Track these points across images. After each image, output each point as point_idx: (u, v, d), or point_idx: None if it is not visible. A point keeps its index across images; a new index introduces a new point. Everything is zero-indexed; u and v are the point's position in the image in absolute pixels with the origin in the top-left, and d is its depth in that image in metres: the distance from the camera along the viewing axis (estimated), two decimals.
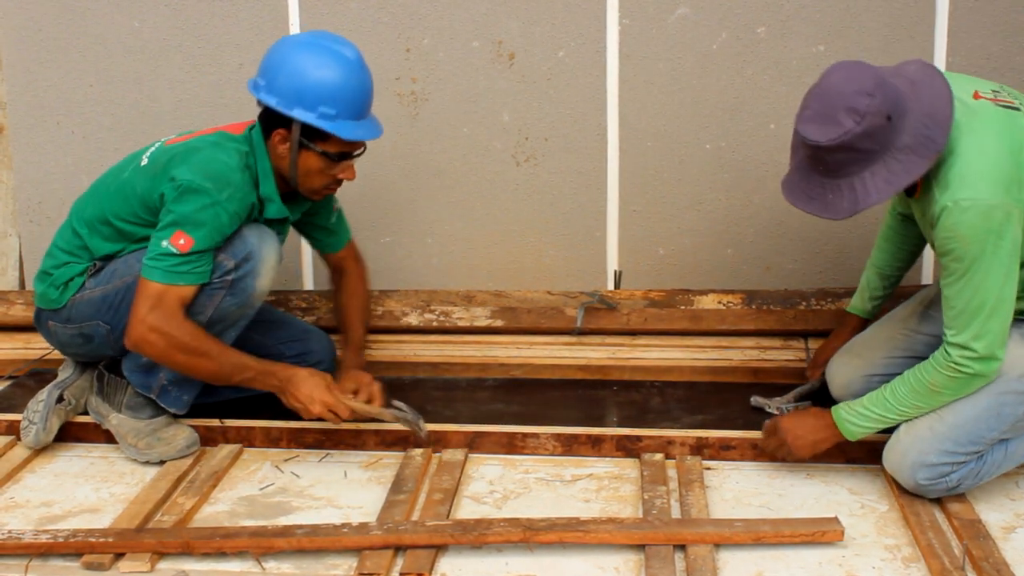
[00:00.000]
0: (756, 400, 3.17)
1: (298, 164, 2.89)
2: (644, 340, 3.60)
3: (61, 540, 2.51)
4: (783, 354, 3.48)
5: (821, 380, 3.19)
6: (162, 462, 2.97)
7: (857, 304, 3.19)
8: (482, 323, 3.65)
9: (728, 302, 3.63)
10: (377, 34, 3.65)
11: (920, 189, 2.59)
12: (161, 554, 2.50)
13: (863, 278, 3.16)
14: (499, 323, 3.64)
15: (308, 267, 3.87)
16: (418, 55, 3.67)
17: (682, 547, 2.48)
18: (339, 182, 2.97)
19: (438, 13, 3.64)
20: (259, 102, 2.89)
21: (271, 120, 2.87)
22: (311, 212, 3.17)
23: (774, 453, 2.85)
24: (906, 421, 2.67)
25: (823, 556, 2.47)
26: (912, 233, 3.02)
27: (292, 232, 3.43)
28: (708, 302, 3.63)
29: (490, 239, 3.80)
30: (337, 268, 3.37)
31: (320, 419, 2.88)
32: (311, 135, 2.84)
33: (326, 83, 2.80)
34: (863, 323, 3.17)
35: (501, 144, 3.72)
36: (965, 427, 2.62)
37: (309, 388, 2.85)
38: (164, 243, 2.76)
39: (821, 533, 2.50)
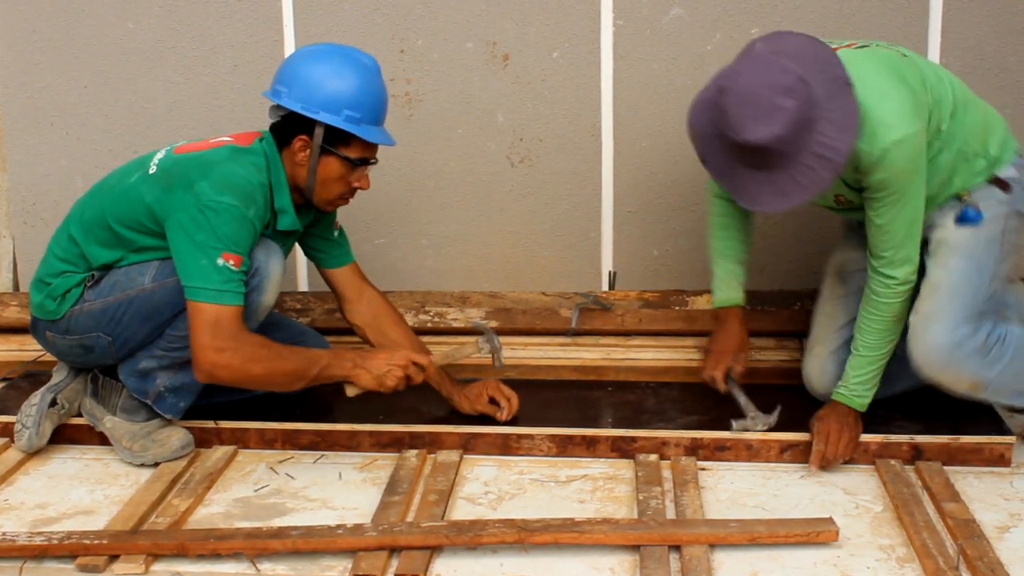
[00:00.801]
0: (739, 424, 3.02)
1: (317, 171, 2.88)
2: (639, 341, 3.60)
3: (55, 542, 2.50)
4: (777, 354, 3.49)
5: (731, 380, 3.14)
6: (156, 464, 2.97)
7: (733, 296, 3.17)
8: None
9: None
10: (371, 35, 3.65)
11: None
12: (156, 556, 2.50)
13: (721, 271, 3.16)
14: (494, 324, 3.64)
15: (302, 269, 3.87)
16: (412, 56, 3.67)
17: (677, 548, 2.48)
18: (353, 192, 2.96)
19: (432, 14, 3.64)
20: (277, 109, 2.88)
21: (291, 127, 2.86)
22: (311, 223, 3.14)
23: (836, 458, 2.89)
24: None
25: (818, 556, 2.47)
26: (745, 212, 3.12)
27: None
28: (702, 303, 3.63)
29: (485, 240, 3.80)
30: (347, 296, 3.25)
31: (395, 391, 2.91)
32: (333, 140, 2.84)
33: (351, 89, 2.82)
34: (743, 311, 3.20)
35: (496, 145, 3.72)
36: (962, 286, 2.82)
37: (386, 354, 2.88)
38: (219, 262, 2.71)
39: (816, 533, 2.50)
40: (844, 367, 3.01)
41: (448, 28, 3.65)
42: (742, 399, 3.07)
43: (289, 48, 3.69)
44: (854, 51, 2.76)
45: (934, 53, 3.47)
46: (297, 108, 2.81)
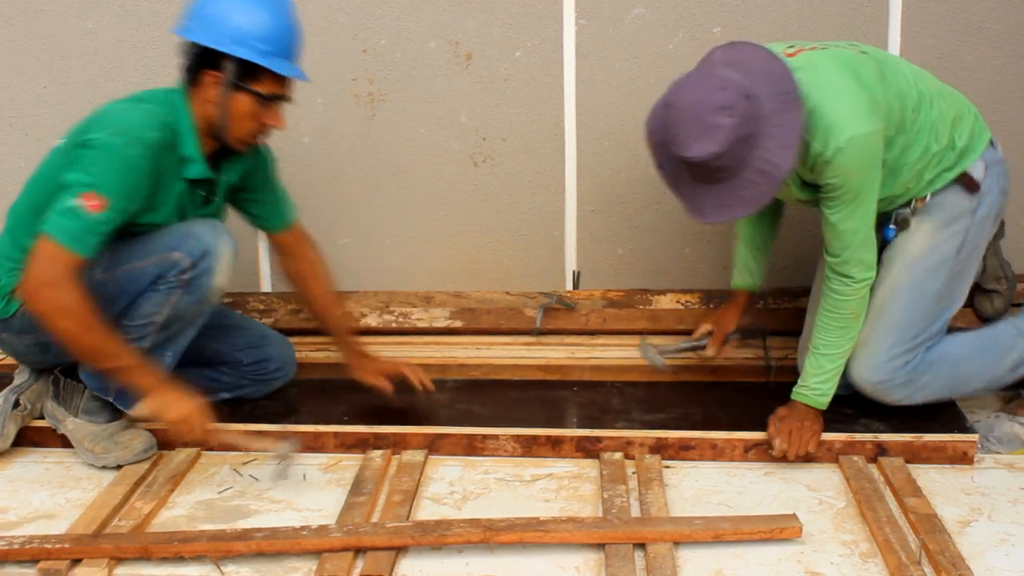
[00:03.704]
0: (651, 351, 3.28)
1: (229, 107, 2.83)
2: (603, 340, 3.61)
3: (16, 547, 2.48)
4: (741, 352, 3.50)
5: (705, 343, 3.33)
6: (119, 466, 2.95)
7: (745, 281, 3.30)
8: (441, 324, 3.65)
9: (686, 301, 3.64)
10: (333, 34, 3.64)
11: None
12: (119, 559, 2.48)
13: (739, 257, 3.29)
14: (458, 324, 3.64)
15: (265, 268, 3.85)
16: (375, 55, 3.66)
17: (642, 545, 2.49)
18: (267, 130, 2.92)
19: (395, 13, 3.63)
20: (188, 44, 2.82)
21: (200, 63, 2.81)
22: (243, 187, 3.10)
23: (797, 456, 2.91)
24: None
25: (782, 553, 2.49)
26: (772, 209, 3.15)
27: (252, 234, 3.42)
28: (666, 302, 3.64)
29: (449, 240, 3.80)
30: (286, 252, 3.25)
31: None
32: (243, 75, 2.80)
33: (261, 22, 2.78)
34: (752, 296, 3.32)
35: (459, 145, 3.72)
36: (902, 316, 2.92)
37: (189, 404, 2.77)
38: (73, 201, 2.63)
39: (779, 530, 2.52)
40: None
41: (411, 27, 3.64)
42: (684, 343, 3.30)
43: None
44: (811, 52, 2.77)
45: (894, 52, 3.50)
46: (206, 42, 2.77)
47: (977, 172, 2.91)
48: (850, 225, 2.75)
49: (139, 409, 2.77)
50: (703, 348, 3.32)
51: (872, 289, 2.87)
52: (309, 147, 3.71)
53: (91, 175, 2.67)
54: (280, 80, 2.84)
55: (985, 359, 3.06)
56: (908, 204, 2.92)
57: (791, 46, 2.81)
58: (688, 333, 3.47)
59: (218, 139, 2.89)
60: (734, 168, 2.59)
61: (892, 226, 2.93)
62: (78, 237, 2.65)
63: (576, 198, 3.72)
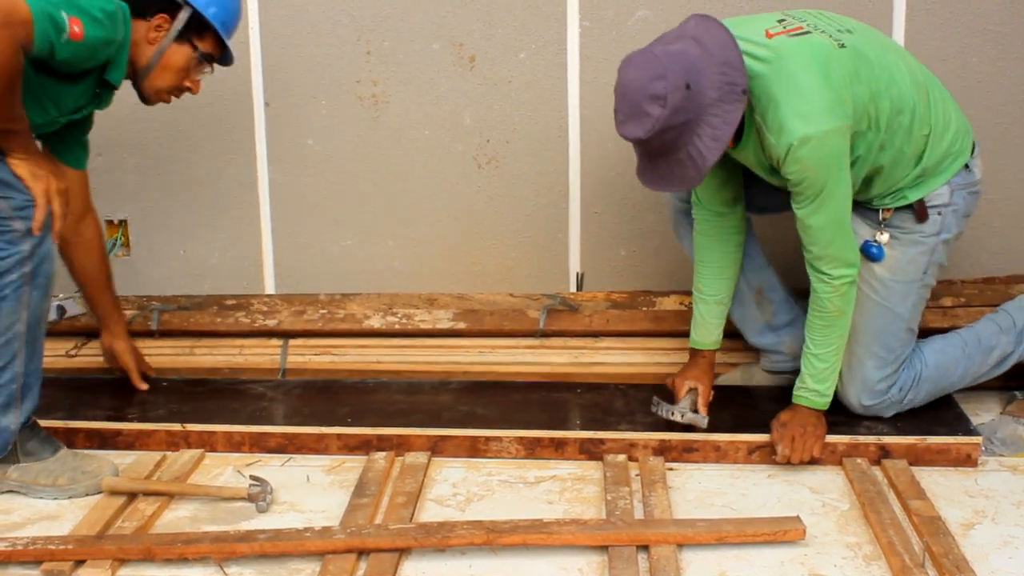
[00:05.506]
0: (664, 407, 3.03)
1: (164, 54, 2.86)
2: (606, 342, 3.60)
3: (20, 548, 2.48)
4: (746, 357, 3.49)
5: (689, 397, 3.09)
6: (87, 495, 2.83)
7: (707, 340, 3.15)
8: (445, 326, 3.64)
9: (689, 303, 3.62)
10: (337, 36, 3.64)
11: (740, 137, 2.77)
12: (122, 561, 2.48)
13: (705, 315, 3.13)
14: (462, 326, 3.63)
15: (269, 270, 3.85)
16: (379, 57, 3.67)
17: (645, 548, 2.49)
18: (180, 92, 2.95)
19: (398, 15, 3.63)
20: None
21: (158, 2, 2.83)
22: (78, 121, 2.98)
23: (802, 460, 2.91)
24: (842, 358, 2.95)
25: (785, 555, 2.49)
26: (732, 242, 3.07)
27: (256, 235, 3.42)
28: (669, 303, 3.64)
29: (452, 242, 3.79)
30: (74, 209, 3.03)
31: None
32: (192, 29, 2.86)
33: None
34: (715, 352, 3.17)
35: (463, 146, 3.72)
36: (879, 338, 2.97)
37: (55, 181, 2.68)
38: (62, 13, 2.50)
39: (783, 532, 2.52)
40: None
41: (415, 29, 3.64)
42: (686, 401, 3.06)
43: (255, 48, 3.68)
44: (789, 39, 2.72)
45: None
46: None
47: (938, 199, 2.90)
48: (816, 221, 2.74)
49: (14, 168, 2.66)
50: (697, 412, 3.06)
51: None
52: (313, 149, 3.71)
53: (83, 4, 2.57)
54: (218, 47, 2.93)
55: (969, 362, 3.10)
56: (876, 211, 2.93)
57: (780, 20, 2.79)
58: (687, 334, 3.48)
59: (134, 79, 2.90)
60: (666, 150, 2.62)
61: (874, 244, 2.92)
62: (44, 19, 2.49)
63: (580, 200, 3.72)
